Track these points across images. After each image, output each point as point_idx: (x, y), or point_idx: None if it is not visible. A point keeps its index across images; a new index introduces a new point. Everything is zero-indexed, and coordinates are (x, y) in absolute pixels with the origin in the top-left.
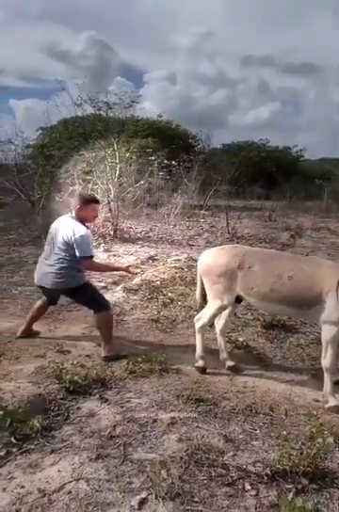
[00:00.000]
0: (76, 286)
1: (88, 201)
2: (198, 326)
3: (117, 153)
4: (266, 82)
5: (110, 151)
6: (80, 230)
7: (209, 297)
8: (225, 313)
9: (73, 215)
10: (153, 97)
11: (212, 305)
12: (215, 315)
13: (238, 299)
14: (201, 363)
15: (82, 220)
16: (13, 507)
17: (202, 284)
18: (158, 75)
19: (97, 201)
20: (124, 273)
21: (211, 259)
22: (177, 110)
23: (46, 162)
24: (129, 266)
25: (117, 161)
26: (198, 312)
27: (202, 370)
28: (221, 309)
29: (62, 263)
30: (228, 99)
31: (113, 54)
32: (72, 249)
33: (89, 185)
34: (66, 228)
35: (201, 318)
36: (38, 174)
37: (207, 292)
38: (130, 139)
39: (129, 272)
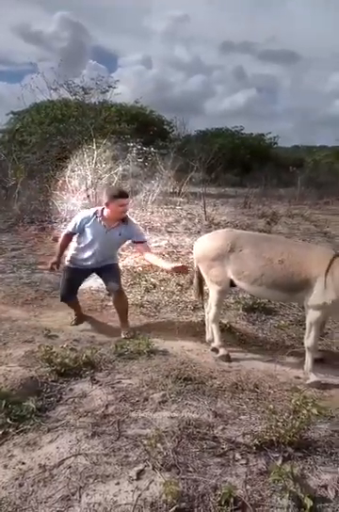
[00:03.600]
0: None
1: (114, 197)
2: (210, 317)
3: (94, 139)
4: (243, 68)
5: (87, 136)
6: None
7: (208, 284)
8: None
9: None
10: (128, 81)
11: (213, 291)
12: (220, 300)
13: (232, 283)
14: (223, 352)
15: (109, 216)
16: (16, 482)
17: (199, 276)
18: (133, 59)
19: (123, 196)
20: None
21: (204, 244)
22: (153, 95)
23: (19, 147)
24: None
25: (94, 147)
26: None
27: (227, 357)
28: (222, 292)
29: None
30: (204, 85)
31: (87, 36)
32: None
33: (67, 172)
34: None
35: (211, 309)
36: (10, 160)
37: (205, 278)
38: (105, 125)
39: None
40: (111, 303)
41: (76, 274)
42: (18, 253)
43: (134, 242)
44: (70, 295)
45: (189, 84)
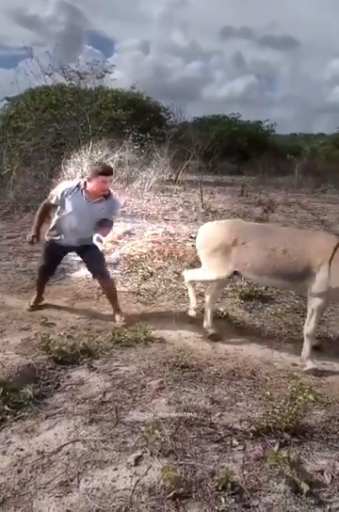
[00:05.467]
0: None
1: (98, 173)
2: (186, 278)
3: (90, 126)
4: (242, 55)
5: (83, 123)
6: None
7: (204, 265)
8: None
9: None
10: (125, 67)
11: (206, 273)
12: (218, 289)
13: (236, 271)
14: (212, 331)
15: (92, 190)
16: (15, 468)
17: None
18: (130, 44)
19: (107, 173)
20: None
21: (207, 233)
22: (150, 81)
23: (14, 134)
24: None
25: (90, 133)
26: None
27: (215, 337)
28: (217, 281)
29: None
30: (202, 71)
31: (84, 21)
32: None
33: (62, 159)
34: None
35: (190, 273)
36: (5, 147)
37: (203, 263)
38: (101, 111)
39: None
40: None
41: (54, 249)
42: (13, 241)
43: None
44: (48, 270)
45: (187, 70)
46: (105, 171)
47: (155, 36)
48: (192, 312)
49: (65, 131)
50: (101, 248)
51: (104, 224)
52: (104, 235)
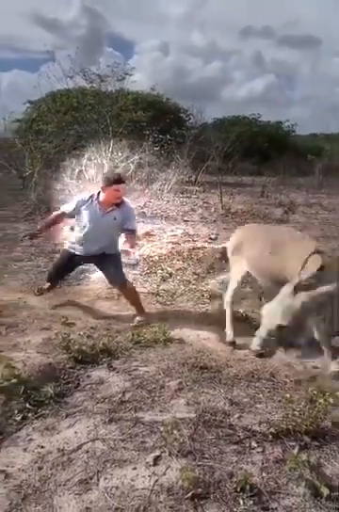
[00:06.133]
0: None
1: (110, 182)
2: (224, 302)
3: (110, 128)
4: (262, 54)
5: (103, 125)
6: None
7: (231, 274)
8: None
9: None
10: (145, 69)
11: (232, 281)
12: (236, 290)
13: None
14: (230, 337)
15: (104, 200)
16: (35, 465)
17: None
18: (149, 46)
19: (119, 181)
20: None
21: (229, 240)
22: (170, 82)
23: (36, 137)
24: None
25: (110, 135)
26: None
27: (231, 343)
28: (240, 283)
29: None
30: (222, 71)
31: (104, 23)
32: None
33: (83, 161)
34: None
35: (226, 295)
36: (27, 150)
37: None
38: (121, 113)
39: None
40: None
41: (68, 258)
42: (35, 242)
43: (123, 229)
44: (56, 278)
45: (207, 70)
46: (119, 179)
47: (175, 37)
48: (229, 338)
49: (86, 133)
50: (134, 259)
51: (129, 236)
52: (132, 246)
